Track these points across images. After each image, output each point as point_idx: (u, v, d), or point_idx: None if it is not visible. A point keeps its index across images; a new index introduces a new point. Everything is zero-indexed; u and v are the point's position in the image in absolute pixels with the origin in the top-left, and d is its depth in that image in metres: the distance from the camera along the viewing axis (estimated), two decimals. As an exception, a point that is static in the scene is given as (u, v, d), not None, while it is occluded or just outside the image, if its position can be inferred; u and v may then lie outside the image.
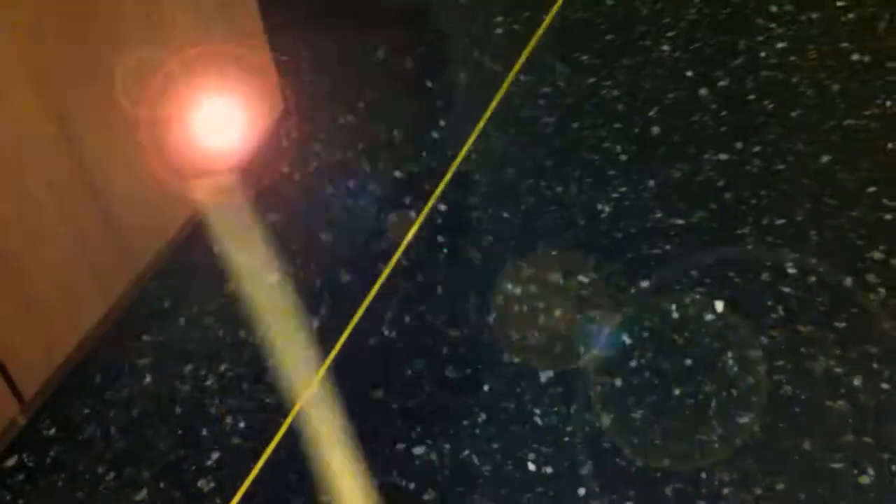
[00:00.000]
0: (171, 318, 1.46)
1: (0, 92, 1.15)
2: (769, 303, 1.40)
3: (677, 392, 1.29)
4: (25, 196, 1.21)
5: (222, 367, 1.38)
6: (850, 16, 1.95)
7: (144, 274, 1.49)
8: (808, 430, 1.23)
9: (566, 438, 1.25)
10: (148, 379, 1.38)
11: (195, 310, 1.48)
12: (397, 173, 1.73)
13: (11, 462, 1.26)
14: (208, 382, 1.36)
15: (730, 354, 1.33)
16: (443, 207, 1.64)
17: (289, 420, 1.31)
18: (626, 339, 1.36)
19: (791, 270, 1.44)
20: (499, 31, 2.05)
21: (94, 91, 1.29)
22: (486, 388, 1.33)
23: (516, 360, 1.36)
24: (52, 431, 1.31)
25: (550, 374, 1.33)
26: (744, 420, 1.25)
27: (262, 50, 1.67)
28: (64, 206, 1.28)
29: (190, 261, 1.56)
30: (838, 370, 1.29)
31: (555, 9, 2.10)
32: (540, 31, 2.04)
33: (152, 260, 1.49)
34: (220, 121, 1.52)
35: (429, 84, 1.93)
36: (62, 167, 1.26)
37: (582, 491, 1.21)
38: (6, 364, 1.23)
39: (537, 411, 1.29)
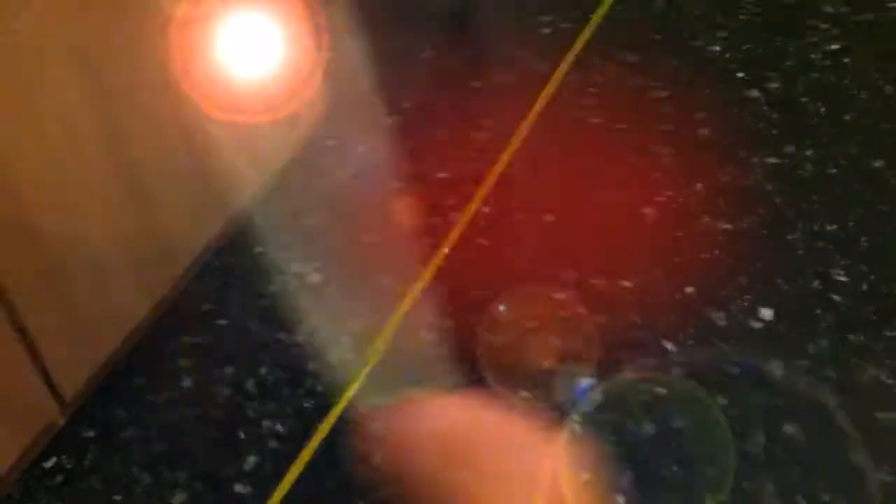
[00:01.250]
0: (211, 320, 1.46)
1: (59, 108, 1.15)
2: (818, 311, 1.36)
3: (723, 401, 1.26)
4: (70, 201, 1.22)
5: (262, 371, 1.38)
6: (906, 15, 1.89)
7: (185, 276, 1.49)
8: (856, 441, 1.20)
9: (607, 447, 1.23)
10: (188, 381, 1.37)
11: (236, 312, 1.47)
12: (441, 174, 1.71)
13: (50, 463, 1.27)
14: (247, 386, 1.36)
15: (776, 363, 1.29)
16: (486, 210, 1.62)
17: (326, 425, 1.30)
18: (671, 347, 1.34)
19: (841, 278, 1.40)
20: (546, 30, 2.02)
21: (142, 95, 1.29)
22: (524, 394, 1.31)
23: (557, 365, 1.34)
24: (91, 433, 1.31)
25: (592, 379, 1.31)
26: (790, 430, 1.21)
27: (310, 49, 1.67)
28: (108, 210, 1.28)
29: (231, 263, 1.56)
30: (888, 380, 1.25)
31: (603, 7, 2.07)
32: (587, 30, 2.01)
33: (193, 262, 1.49)
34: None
35: (474, 84, 1.91)
36: (107, 172, 1.27)
37: (621, 500, 1.18)
38: (47, 365, 1.23)
39: (577, 419, 1.27)
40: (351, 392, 1.34)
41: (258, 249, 1.57)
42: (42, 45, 1.14)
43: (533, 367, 1.34)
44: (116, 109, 1.27)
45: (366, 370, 1.37)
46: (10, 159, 1.13)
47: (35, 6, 1.11)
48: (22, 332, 1.19)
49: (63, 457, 1.28)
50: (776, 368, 1.29)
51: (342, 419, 1.31)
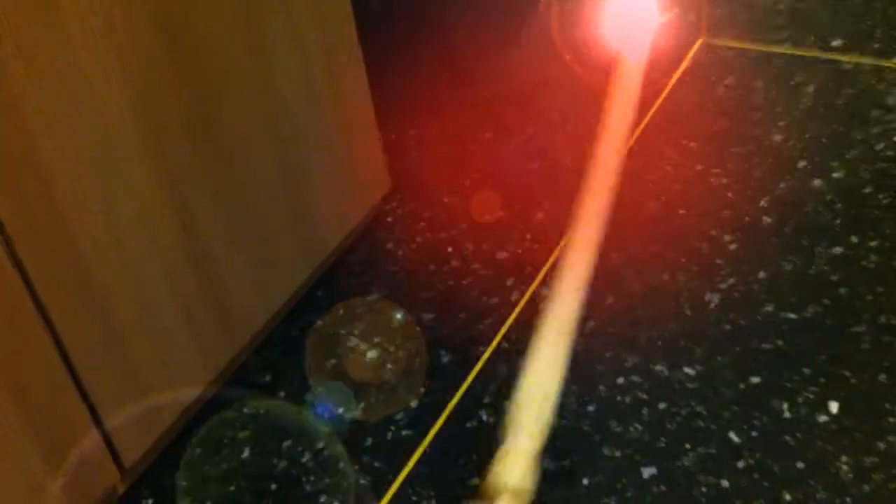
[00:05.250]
0: (271, 392, 1.47)
1: (125, 174, 1.18)
2: (886, 405, 1.33)
3: (788, 497, 1.23)
4: (137, 267, 1.24)
5: (319, 445, 1.38)
6: (974, 109, 1.89)
7: (248, 347, 1.50)
8: (929, 545, 1.17)
9: (669, 539, 1.21)
10: (246, 453, 1.37)
11: (295, 385, 1.48)
12: (500, 254, 1.72)
13: (109, 531, 1.27)
14: (305, 459, 1.36)
15: (844, 459, 1.27)
16: (545, 291, 1.62)
17: (384, 503, 1.29)
18: (735, 438, 1.31)
19: (910, 373, 1.38)
20: (608, 114, 2.04)
21: (206, 166, 1.32)
22: (584, 482, 1.29)
23: (617, 453, 1.32)
24: (150, 502, 1.31)
25: (653, 470, 1.29)
26: (859, 531, 1.18)
27: (371, 127, 1.69)
28: (172, 277, 1.30)
29: (292, 335, 1.57)
30: (962, 483, 1.22)
31: (663, 94, 2.08)
32: (648, 116, 2.02)
33: (256, 333, 1.50)
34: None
35: (534, 166, 1.93)
36: (173, 238, 1.29)
37: None
38: (109, 431, 1.24)
39: (639, 509, 1.25)
40: (408, 470, 1.34)
41: (319, 323, 1.58)
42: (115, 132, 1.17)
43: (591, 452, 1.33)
44: (181, 182, 1.29)
45: (422, 448, 1.37)
46: (79, 235, 1.15)
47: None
48: (86, 398, 1.21)
49: (122, 526, 1.28)
50: (844, 465, 1.26)
51: (399, 497, 1.30)
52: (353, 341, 1.53)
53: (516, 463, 0.44)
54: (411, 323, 1.58)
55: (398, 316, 1.57)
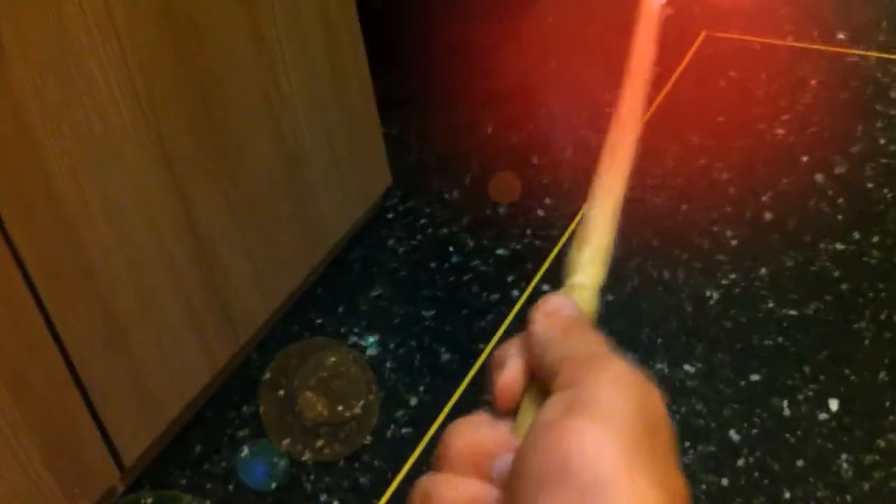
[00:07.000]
0: (270, 390, 1.47)
1: (127, 169, 1.18)
2: (887, 403, 1.33)
3: (787, 495, 1.23)
4: (139, 263, 1.24)
5: (319, 443, 1.38)
6: (977, 103, 1.88)
7: (248, 344, 1.50)
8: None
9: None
10: (246, 451, 1.38)
11: (295, 383, 1.48)
12: (501, 251, 1.71)
13: (109, 530, 1.27)
14: (304, 458, 1.36)
15: (844, 457, 1.26)
16: (546, 287, 1.62)
17: (383, 501, 1.29)
18: (735, 436, 1.31)
19: (911, 370, 1.38)
20: (608, 109, 2.03)
21: (208, 161, 1.32)
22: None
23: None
24: (150, 500, 1.31)
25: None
26: (859, 529, 1.18)
27: (373, 122, 1.69)
28: (175, 275, 1.30)
29: (292, 332, 1.56)
30: (963, 481, 1.22)
31: (666, 88, 2.08)
32: (651, 110, 2.02)
33: (256, 331, 1.50)
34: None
35: (535, 161, 1.92)
36: (176, 236, 1.29)
37: None
38: (109, 430, 1.24)
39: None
40: (407, 468, 1.34)
41: (318, 320, 1.58)
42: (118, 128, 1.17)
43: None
44: (184, 179, 1.29)
45: (422, 447, 1.36)
46: (81, 231, 1.15)
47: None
48: (86, 397, 1.21)
49: (121, 525, 1.28)
50: (844, 463, 1.26)
51: (399, 496, 1.30)
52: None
53: None
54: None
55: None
